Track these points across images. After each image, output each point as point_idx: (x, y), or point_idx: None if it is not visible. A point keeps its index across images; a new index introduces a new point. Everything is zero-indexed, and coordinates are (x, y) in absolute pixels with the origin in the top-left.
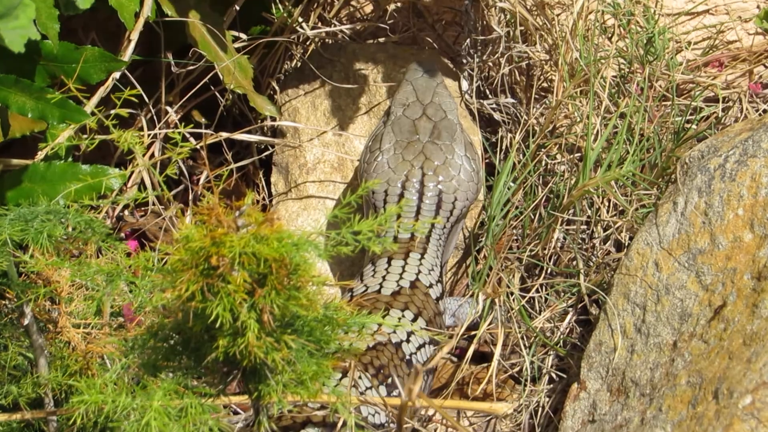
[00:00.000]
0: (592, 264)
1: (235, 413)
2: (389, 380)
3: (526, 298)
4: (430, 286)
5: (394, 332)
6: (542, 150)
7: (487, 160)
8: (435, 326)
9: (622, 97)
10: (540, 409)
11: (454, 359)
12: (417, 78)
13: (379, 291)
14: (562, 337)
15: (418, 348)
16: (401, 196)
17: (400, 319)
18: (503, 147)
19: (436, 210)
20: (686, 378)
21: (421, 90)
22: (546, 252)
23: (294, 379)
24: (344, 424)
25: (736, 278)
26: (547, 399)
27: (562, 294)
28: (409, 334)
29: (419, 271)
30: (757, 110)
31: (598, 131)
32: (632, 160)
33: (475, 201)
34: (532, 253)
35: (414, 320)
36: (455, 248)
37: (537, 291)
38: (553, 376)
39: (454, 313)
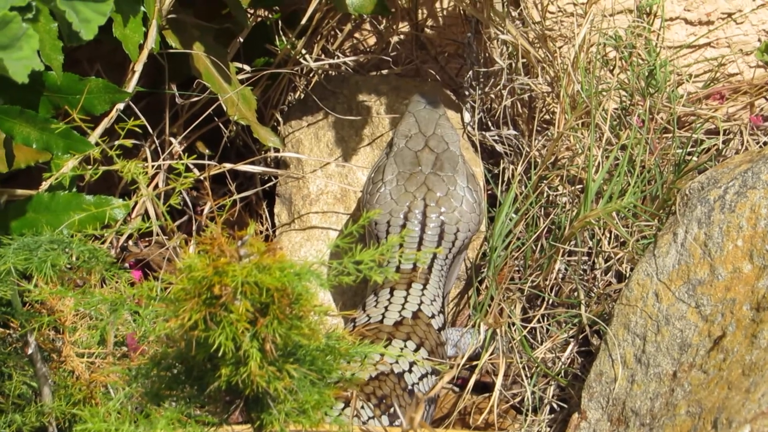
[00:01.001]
0: (593, 295)
1: None
2: (391, 410)
3: (527, 329)
4: (432, 316)
5: (397, 362)
6: (544, 182)
7: (489, 192)
8: (437, 357)
9: (624, 129)
10: None
11: (456, 389)
12: (419, 110)
13: (381, 321)
14: (563, 367)
15: (421, 378)
16: (403, 227)
17: (402, 349)
18: (505, 179)
19: (439, 241)
20: (686, 408)
21: (424, 122)
22: (547, 283)
23: (296, 408)
24: None
25: (735, 309)
26: (548, 429)
27: (563, 324)
28: (412, 364)
29: (421, 302)
30: (757, 143)
31: (599, 163)
32: (633, 192)
33: (477, 232)
34: (534, 283)
35: (416, 351)
36: (457, 279)
37: (538, 321)
38: (554, 406)
39: (456, 344)
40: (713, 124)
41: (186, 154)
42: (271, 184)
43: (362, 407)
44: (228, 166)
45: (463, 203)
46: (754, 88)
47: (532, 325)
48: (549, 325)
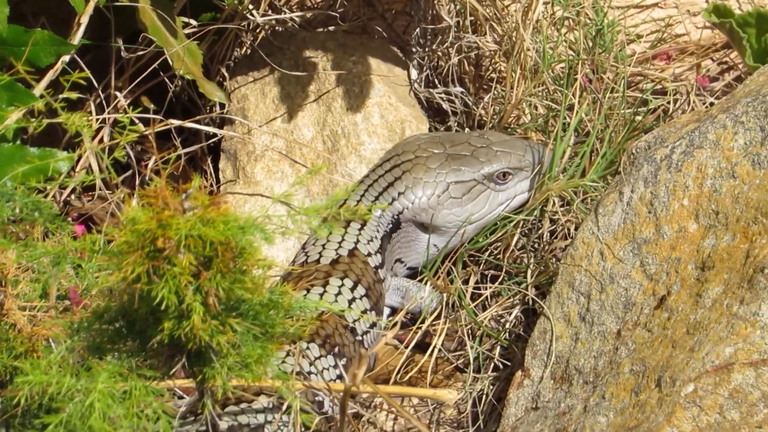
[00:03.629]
0: (540, 257)
1: (180, 397)
2: (336, 349)
3: (482, 297)
4: (369, 255)
5: (336, 301)
6: None
7: None
8: (374, 293)
9: (573, 90)
10: (484, 396)
11: (400, 345)
12: (523, 144)
13: (318, 261)
14: (508, 327)
15: (362, 314)
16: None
17: (340, 287)
18: None
19: (378, 195)
20: (629, 366)
21: (511, 145)
22: (497, 247)
23: (239, 362)
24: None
25: (680, 268)
26: (491, 387)
27: (511, 288)
28: (351, 301)
29: (358, 241)
30: (704, 103)
31: (548, 123)
32: (596, 170)
33: (437, 228)
34: (485, 249)
35: (353, 288)
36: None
37: (485, 282)
38: (498, 364)
39: (403, 295)
40: (661, 85)
41: (132, 108)
42: (216, 139)
43: (307, 348)
44: (175, 122)
45: (425, 187)
46: (701, 48)
47: (478, 287)
48: (496, 287)
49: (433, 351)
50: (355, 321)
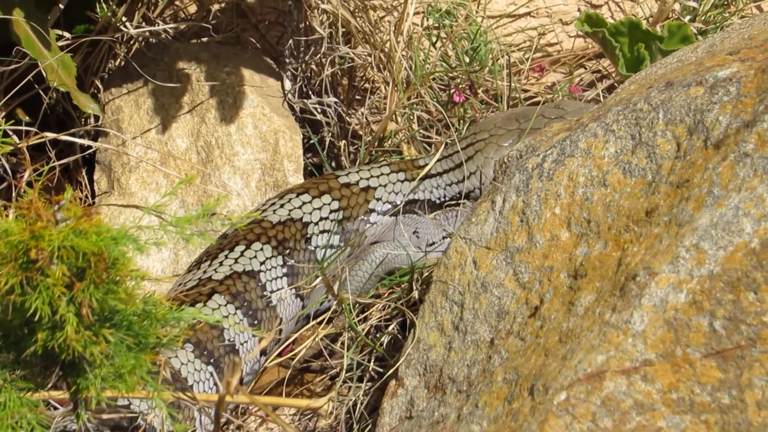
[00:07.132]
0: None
1: (55, 408)
2: (287, 252)
3: (364, 308)
4: (378, 200)
5: (311, 214)
6: (372, 158)
7: (311, 160)
8: (347, 227)
9: (450, 104)
10: (359, 406)
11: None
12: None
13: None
14: (386, 335)
15: (321, 232)
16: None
17: (324, 204)
18: (326, 146)
19: (455, 167)
20: (503, 375)
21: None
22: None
23: (112, 372)
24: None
25: (552, 276)
26: (365, 397)
27: (394, 293)
28: (319, 220)
29: (390, 186)
30: None
31: (432, 144)
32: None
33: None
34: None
35: (335, 210)
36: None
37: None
38: (374, 374)
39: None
40: (537, 95)
41: (6, 121)
42: (91, 151)
43: (261, 249)
44: (49, 135)
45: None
46: (575, 58)
47: (377, 306)
48: (383, 299)
49: (318, 364)
50: (314, 234)
